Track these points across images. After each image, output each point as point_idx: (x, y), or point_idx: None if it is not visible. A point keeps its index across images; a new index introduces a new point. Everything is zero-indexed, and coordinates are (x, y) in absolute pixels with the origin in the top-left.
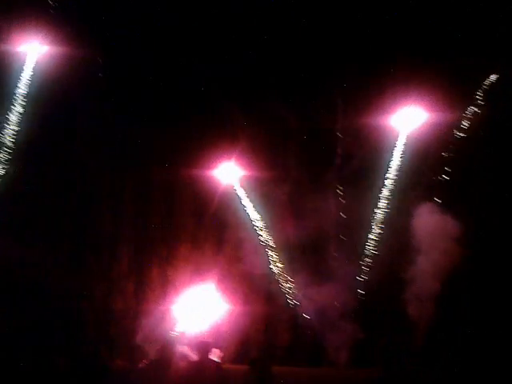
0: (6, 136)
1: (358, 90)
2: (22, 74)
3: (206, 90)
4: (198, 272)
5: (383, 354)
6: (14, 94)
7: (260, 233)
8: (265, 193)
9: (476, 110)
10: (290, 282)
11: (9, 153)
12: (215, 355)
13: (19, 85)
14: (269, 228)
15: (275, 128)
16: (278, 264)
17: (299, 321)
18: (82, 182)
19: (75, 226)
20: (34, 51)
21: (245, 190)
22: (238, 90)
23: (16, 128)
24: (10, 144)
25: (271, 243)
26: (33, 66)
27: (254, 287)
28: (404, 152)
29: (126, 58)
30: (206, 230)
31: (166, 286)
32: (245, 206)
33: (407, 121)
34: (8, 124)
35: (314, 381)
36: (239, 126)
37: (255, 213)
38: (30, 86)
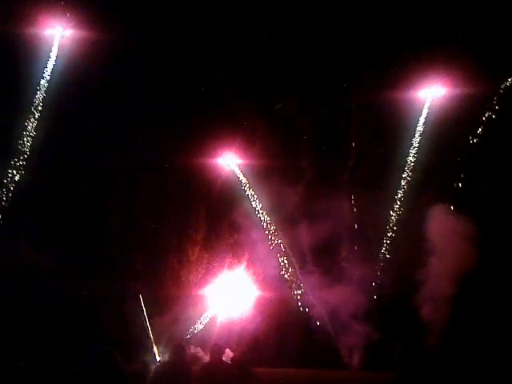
0: (22, 142)
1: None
2: (46, 61)
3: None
4: (210, 275)
5: (398, 356)
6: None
7: (272, 236)
8: (276, 194)
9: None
10: (303, 284)
11: (24, 158)
12: (228, 357)
13: (43, 74)
14: (281, 231)
15: (288, 125)
16: (290, 267)
17: (313, 323)
18: (95, 177)
19: (89, 227)
20: (59, 35)
21: (256, 191)
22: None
23: (33, 132)
24: (25, 149)
25: (284, 246)
26: (56, 51)
27: (266, 290)
28: (420, 146)
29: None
30: (218, 234)
31: (178, 289)
32: (256, 209)
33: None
34: (26, 128)
35: (327, 383)
36: (253, 125)
37: (267, 215)
38: (52, 76)
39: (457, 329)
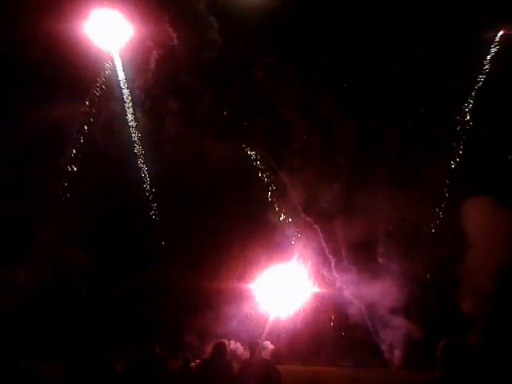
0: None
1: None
2: None
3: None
4: (248, 271)
5: (442, 354)
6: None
7: (309, 232)
8: (313, 190)
9: None
10: (341, 281)
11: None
12: (268, 354)
13: None
14: (318, 227)
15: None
16: (327, 263)
17: (352, 320)
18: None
19: (133, 224)
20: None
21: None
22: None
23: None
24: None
25: (320, 242)
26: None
27: (304, 286)
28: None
29: None
30: (256, 231)
31: (218, 288)
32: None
33: None
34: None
35: (367, 381)
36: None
37: (303, 212)
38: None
39: (502, 325)
